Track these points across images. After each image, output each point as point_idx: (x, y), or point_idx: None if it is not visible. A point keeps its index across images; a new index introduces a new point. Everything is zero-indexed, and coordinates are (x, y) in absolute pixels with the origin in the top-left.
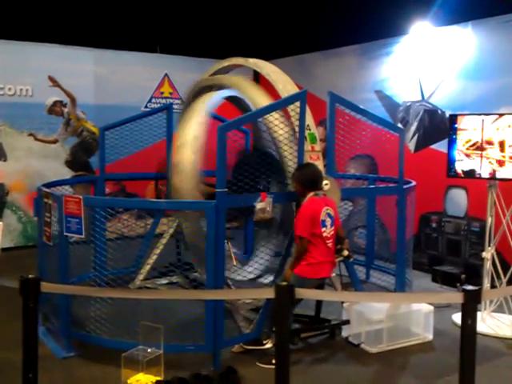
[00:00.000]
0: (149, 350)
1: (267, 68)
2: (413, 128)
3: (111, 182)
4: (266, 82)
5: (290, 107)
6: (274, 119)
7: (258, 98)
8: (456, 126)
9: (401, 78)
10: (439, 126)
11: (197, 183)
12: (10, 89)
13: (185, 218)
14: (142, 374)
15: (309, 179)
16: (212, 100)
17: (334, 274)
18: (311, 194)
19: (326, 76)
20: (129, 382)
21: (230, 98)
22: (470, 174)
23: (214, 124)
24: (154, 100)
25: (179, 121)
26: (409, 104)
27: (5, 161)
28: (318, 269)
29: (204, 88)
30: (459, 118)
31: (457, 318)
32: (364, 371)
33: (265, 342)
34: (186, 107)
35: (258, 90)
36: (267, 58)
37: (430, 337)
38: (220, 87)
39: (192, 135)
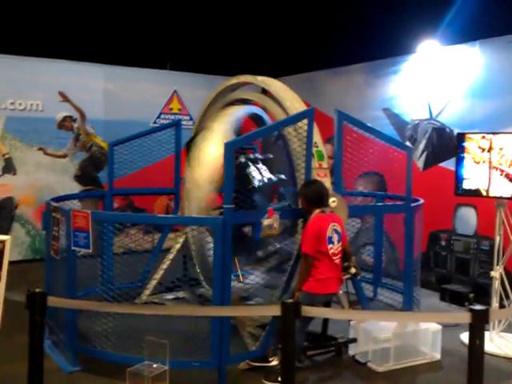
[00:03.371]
0: (154, 366)
1: (275, 85)
2: (421, 146)
3: (119, 197)
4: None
5: (298, 125)
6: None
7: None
8: (464, 144)
9: (409, 97)
10: (448, 144)
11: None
12: (20, 104)
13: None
14: None
15: (314, 196)
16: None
17: (341, 292)
18: (317, 210)
19: (333, 94)
20: None
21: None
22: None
23: None
24: (162, 116)
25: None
26: (417, 122)
27: (14, 174)
28: (326, 284)
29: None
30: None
31: (465, 337)
32: None
33: (271, 359)
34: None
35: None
36: (275, 75)
37: (438, 356)
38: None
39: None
